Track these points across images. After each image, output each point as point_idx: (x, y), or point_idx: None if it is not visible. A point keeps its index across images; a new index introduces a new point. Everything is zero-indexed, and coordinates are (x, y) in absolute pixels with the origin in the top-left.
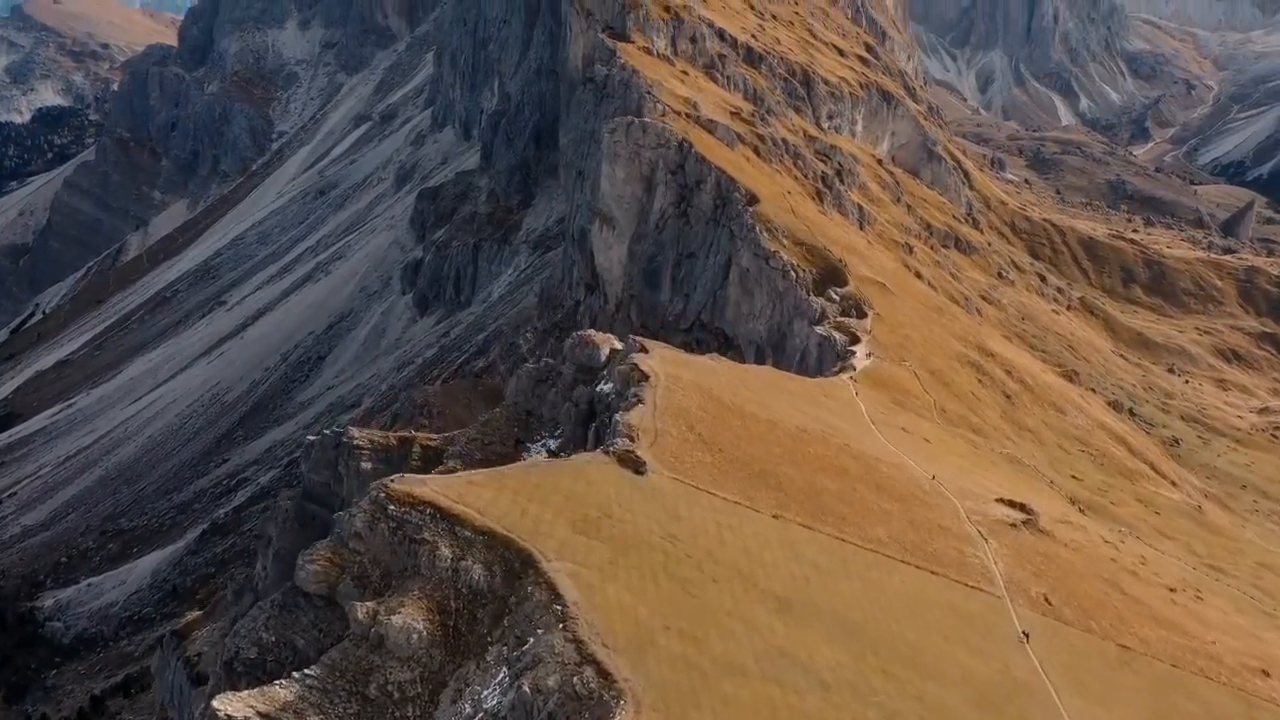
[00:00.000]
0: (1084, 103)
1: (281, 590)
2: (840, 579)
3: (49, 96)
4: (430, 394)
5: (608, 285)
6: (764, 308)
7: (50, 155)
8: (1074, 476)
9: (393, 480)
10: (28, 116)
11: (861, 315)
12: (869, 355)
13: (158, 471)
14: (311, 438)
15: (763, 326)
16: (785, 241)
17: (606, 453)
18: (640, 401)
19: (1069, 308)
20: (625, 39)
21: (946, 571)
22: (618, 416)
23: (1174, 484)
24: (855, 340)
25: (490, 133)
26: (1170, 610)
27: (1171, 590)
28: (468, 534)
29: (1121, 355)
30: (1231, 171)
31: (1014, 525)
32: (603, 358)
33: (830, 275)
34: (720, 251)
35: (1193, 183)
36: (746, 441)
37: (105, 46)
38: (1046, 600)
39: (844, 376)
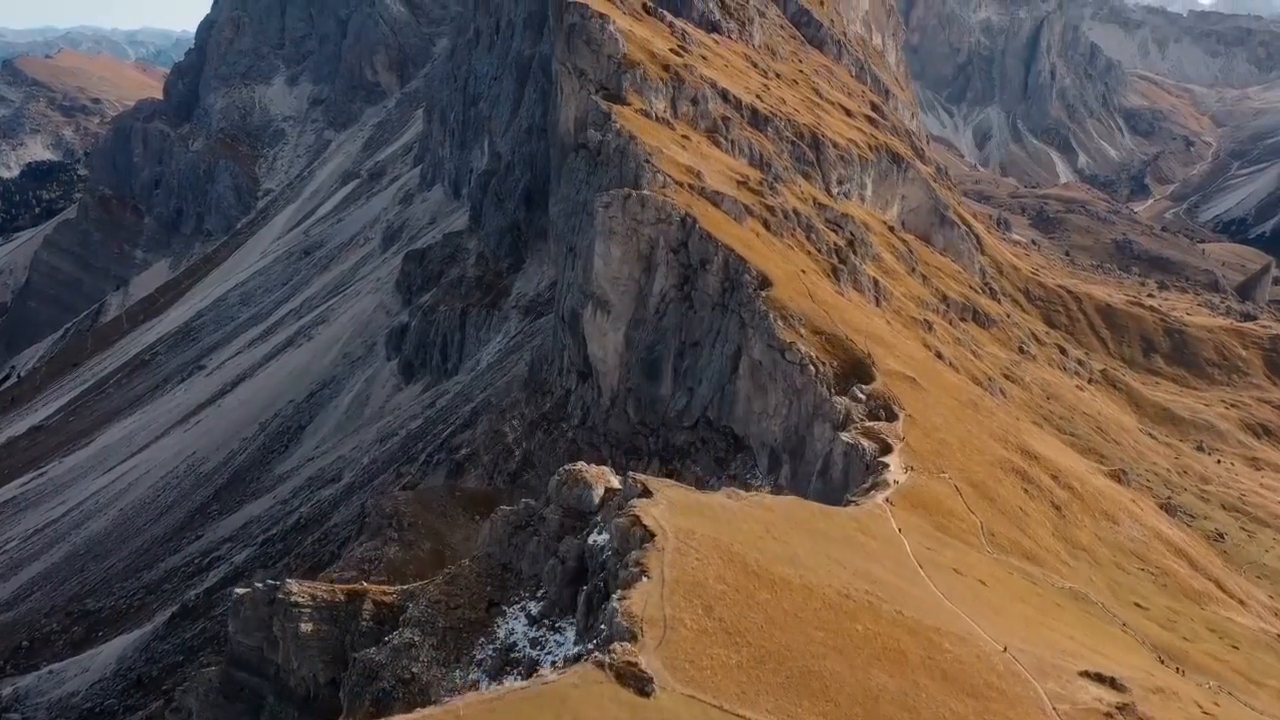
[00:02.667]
0: (1082, 159)
1: None
2: None
3: (38, 151)
4: (400, 502)
5: (602, 376)
6: (779, 406)
7: (38, 210)
8: (1138, 604)
9: None
10: (16, 171)
11: (891, 417)
12: (905, 469)
13: (128, 548)
14: (240, 590)
15: (777, 427)
16: (802, 330)
17: (600, 665)
18: (644, 574)
19: (1090, 381)
20: (621, 101)
21: None
22: (615, 604)
23: (1242, 603)
24: (886, 448)
25: (480, 193)
26: None
27: None
28: None
29: (1149, 434)
30: (1234, 229)
31: (1108, 715)
32: (596, 500)
33: (854, 369)
34: (728, 341)
35: (1197, 241)
36: (780, 625)
37: (96, 101)
38: None
39: (879, 498)
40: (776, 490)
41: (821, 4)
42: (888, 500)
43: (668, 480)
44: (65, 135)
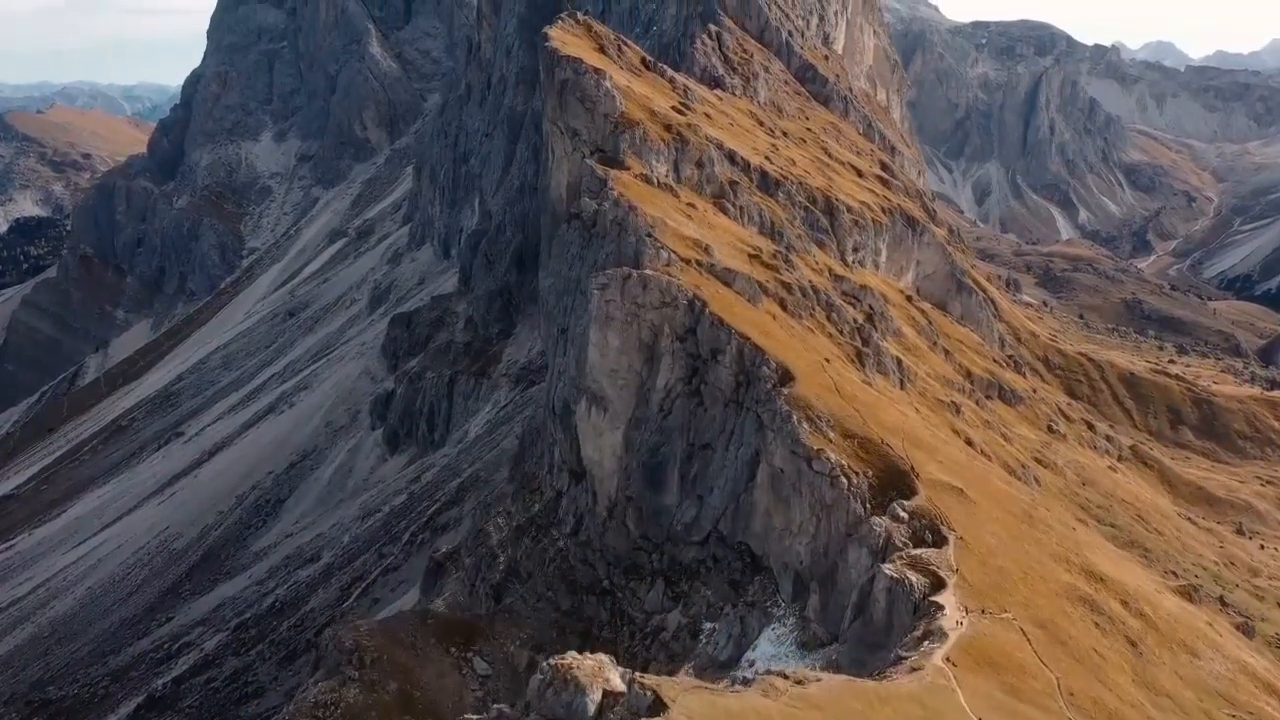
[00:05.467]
0: (1083, 215)
1: None
2: None
3: (27, 207)
4: (362, 634)
5: (598, 482)
6: (805, 524)
7: (25, 267)
8: None
9: None
10: (4, 227)
11: (939, 540)
12: (963, 612)
13: (94, 630)
14: None
15: (803, 548)
16: (831, 434)
17: None
18: None
19: (1120, 459)
20: (619, 164)
21: None
22: None
23: None
24: (938, 583)
25: (469, 254)
26: None
27: None
28: None
29: (1188, 518)
30: (1239, 285)
31: None
32: (591, 709)
33: (892, 478)
34: (745, 444)
35: (1206, 299)
36: None
37: (87, 156)
38: None
39: (937, 656)
40: (803, 623)
41: (826, 59)
42: (948, 659)
43: (686, 680)
44: (55, 191)
